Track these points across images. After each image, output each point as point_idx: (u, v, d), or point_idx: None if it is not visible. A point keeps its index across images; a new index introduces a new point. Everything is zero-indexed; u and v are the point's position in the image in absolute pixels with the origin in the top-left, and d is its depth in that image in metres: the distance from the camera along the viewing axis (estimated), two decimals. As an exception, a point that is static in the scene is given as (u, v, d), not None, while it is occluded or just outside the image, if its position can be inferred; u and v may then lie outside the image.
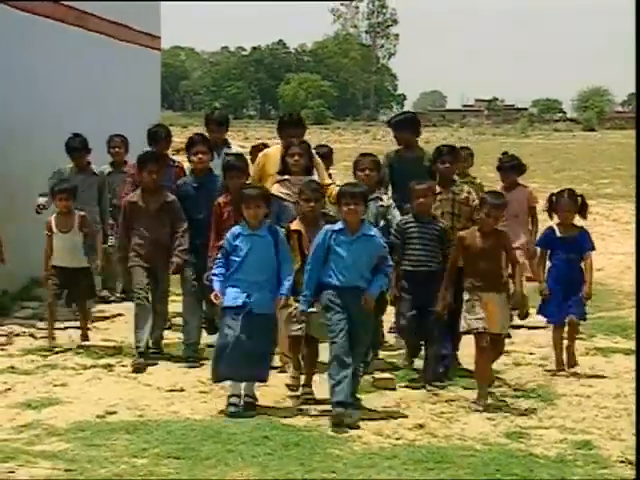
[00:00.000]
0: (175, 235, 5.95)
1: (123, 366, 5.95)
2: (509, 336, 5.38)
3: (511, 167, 7.18)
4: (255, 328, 4.92)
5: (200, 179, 6.11)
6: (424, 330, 5.50)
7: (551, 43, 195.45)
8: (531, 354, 6.40)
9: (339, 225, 4.95)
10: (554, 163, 24.92)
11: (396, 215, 5.80)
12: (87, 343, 6.39)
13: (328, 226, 5.00)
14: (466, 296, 5.20)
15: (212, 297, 5.04)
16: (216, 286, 5.03)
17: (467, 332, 5.26)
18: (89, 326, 6.71)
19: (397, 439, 4.60)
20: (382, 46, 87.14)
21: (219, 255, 5.13)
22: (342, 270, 4.88)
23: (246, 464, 4.16)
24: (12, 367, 5.89)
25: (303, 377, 5.29)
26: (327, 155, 6.68)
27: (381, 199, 5.81)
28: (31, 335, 6.34)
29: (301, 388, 5.25)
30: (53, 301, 6.46)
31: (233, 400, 4.93)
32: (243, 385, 4.98)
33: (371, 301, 4.93)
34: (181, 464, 4.15)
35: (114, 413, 4.95)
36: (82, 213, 6.57)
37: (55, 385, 5.50)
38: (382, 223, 5.68)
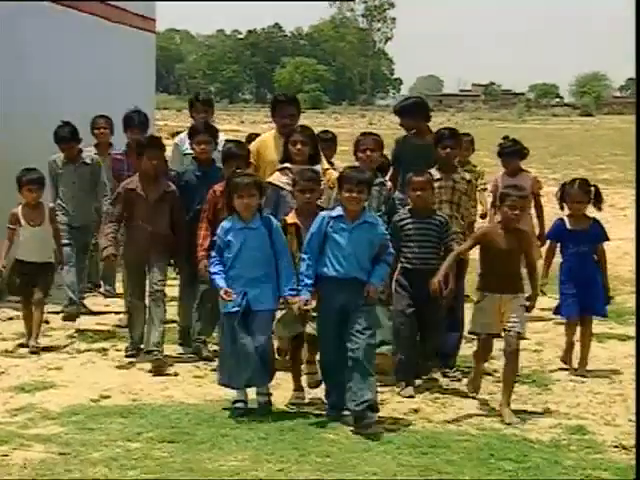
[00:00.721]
0: (175, 233, 5.61)
1: (117, 350, 5.94)
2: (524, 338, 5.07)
3: (513, 152, 6.82)
4: (253, 327, 4.60)
5: (203, 169, 5.76)
6: (424, 329, 5.14)
7: (550, 28, 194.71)
8: (526, 339, 6.39)
9: (338, 211, 4.59)
10: (551, 148, 24.88)
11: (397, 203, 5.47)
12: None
13: (325, 212, 4.66)
14: (476, 297, 4.89)
15: (222, 294, 4.63)
16: (220, 283, 4.66)
17: (472, 332, 5.00)
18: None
19: (392, 424, 4.59)
20: (379, 30, 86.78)
21: (213, 253, 4.81)
22: (340, 260, 4.51)
23: (240, 448, 4.16)
24: (6, 350, 5.88)
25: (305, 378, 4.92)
26: (331, 141, 6.37)
27: (385, 184, 5.43)
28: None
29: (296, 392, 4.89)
30: (27, 302, 6.02)
31: (238, 405, 4.67)
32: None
33: (374, 293, 4.55)
34: (175, 448, 4.14)
35: (108, 397, 4.95)
36: (51, 205, 6.26)
37: (49, 369, 5.49)
38: (384, 209, 5.31)
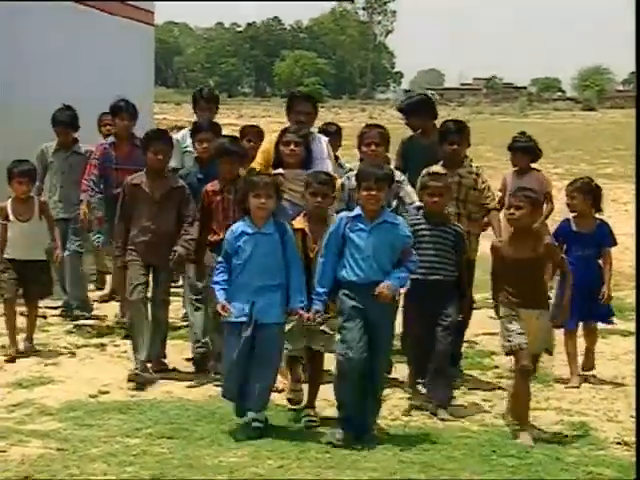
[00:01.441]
0: (182, 224, 5.22)
1: (116, 346, 5.91)
2: (550, 353, 4.74)
3: (526, 149, 6.56)
4: (259, 342, 4.28)
5: (205, 170, 5.41)
6: (433, 345, 4.73)
7: (551, 20, 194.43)
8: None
9: (356, 211, 4.34)
10: (553, 143, 24.74)
11: (409, 192, 5.03)
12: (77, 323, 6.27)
13: (344, 213, 4.40)
14: (502, 311, 4.51)
15: (219, 309, 4.31)
16: (220, 296, 4.32)
17: (508, 353, 4.46)
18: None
19: (392, 420, 4.57)
20: (379, 23, 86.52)
21: (219, 258, 4.46)
22: (359, 263, 4.23)
23: (240, 444, 4.13)
24: (3, 346, 5.84)
25: (306, 397, 4.61)
26: (335, 134, 6.21)
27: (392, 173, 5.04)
28: (22, 314, 6.23)
29: (303, 410, 4.57)
30: (12, 300, 5.71)
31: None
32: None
33: (389, 290, 4.21)
34: (174, 444, 4.12)
35: (107, 393, 4.92)
36: (43, 199, 6.01)
37: (47, 364, 5.47)
38: (395, 203, 4.96)
